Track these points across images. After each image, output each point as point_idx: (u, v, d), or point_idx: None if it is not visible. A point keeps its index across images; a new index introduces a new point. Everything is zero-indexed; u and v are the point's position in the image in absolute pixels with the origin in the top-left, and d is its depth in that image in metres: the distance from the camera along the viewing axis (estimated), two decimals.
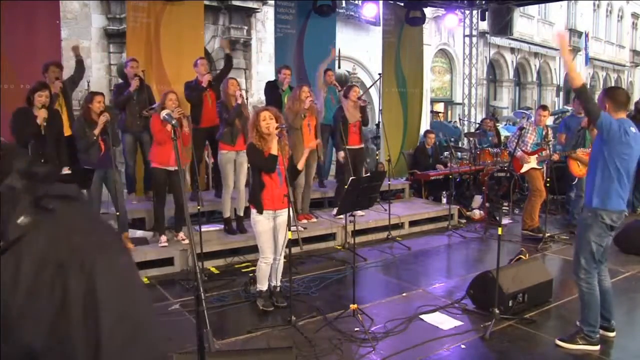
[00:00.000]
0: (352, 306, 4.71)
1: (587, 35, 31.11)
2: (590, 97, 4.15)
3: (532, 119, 8.84)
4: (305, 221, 7.27)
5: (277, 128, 4.69)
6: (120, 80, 12.40)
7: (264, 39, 16.31)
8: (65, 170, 5.68)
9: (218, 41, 15.21)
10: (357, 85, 8.15)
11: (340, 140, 7.31)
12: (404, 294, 5.53)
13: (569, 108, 16.78)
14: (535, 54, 28.31)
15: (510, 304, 4.77)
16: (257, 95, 15.69)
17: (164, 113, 3.60)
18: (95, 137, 5.56)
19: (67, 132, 6.43)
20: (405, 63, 10.86)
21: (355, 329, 4.53)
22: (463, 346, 4.33)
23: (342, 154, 7.30)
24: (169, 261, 6.14)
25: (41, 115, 5.30)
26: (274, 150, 4.69)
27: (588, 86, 4.32)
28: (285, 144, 4.85)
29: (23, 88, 6.64)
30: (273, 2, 10.53)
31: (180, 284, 5.73)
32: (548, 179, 7.81)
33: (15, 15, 6.68)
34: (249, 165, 5.96)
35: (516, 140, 7.20)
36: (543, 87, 30.04)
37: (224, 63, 7.72)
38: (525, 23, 26.30)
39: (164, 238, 6.25)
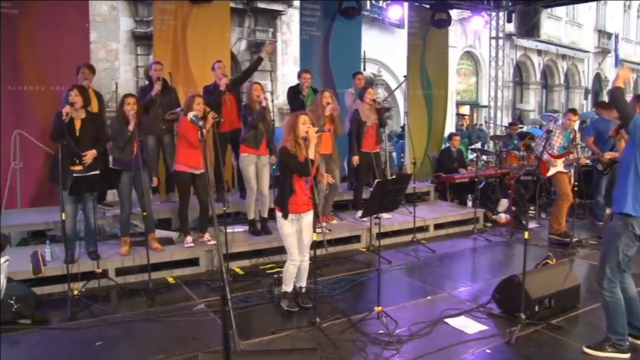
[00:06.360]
0: (377, 308, 4.70)
1: (617, 37, 30.59)
2: (624, 100, 4.08)
3: (560, 122, 8.73)
4: (324, 224, 7.22)
5: (317, 132, 4.66)
6: (147, 82, 12.68)
7: (289, 42, 16.37)
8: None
9: (244, 43, 15.32)
10: (374, 87, 8.09)
11: (355, 144, 7.31)
12: (428, 297, 5.50)
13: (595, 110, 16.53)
14: (563, 56, 27.90)
15: (536, 309, 4.72)
16: (282, 98, 15.73)
17: (191, 115, 3.65)
18: (130, 133, 5.64)
19: None
20: (430, 65, 10.81)
21: (380, 332, 4.52)
22: (488, 351, 4.29)
23: (355, 158, 7.35)
24: (194, 261, 6.21)
25: (65, 111, 5.40)
26: (312, 154, 4.65)
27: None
28: (318, 150, 4.83)
29: (53, 90, 6.81)
30: (298, 4, 10.57)
31: (206, 284, 5.79)
32: (576, 183, 7.70)
33: (46, 19, 6.84)
34: (275, 167, 6.00)
35: (543, 143, 7.12)
36: (571, 90, 29.59)
37: (252, 63, 7.67)
38: (553, 24, 25.96)
39: (189, 239, 6.32)
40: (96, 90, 6.99)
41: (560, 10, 26.18)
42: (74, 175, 5.18)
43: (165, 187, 7.56)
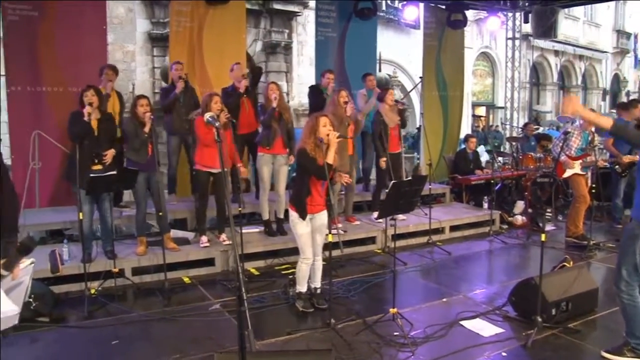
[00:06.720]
0: (392, 310, 4.68)
1: (636, 37, 30.25)
2: (626, 130, 4.06)
3: (577, 123, 8.64)
4: (340, 225, 7.22)
5: (338, 137, 4.64)
6: (163, 83, 12.78)
7: (304, 42, 16.41)
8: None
9: (260, 44, 15.36)
10: (392, 88, 8.07)
11: (380, 146, 7.26)
12: (444, 299, 5.47)
13: (615, 112, 16.34)
14: (581, 57, 27.65)
15: (553, 313, 4.67)
16: (297, 99, 15.78)
17: (207, 116, 3.67)
18: (146, 135, 5.69)
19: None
20: (446, 66, 10.77)
21: (395, 333, 4.50)
22: (504, 354, 4.26)
23: (383, 160, 7.28)
24: (210, 262, 6.24)
25: (86, 111, 5.44)
26: (331, 159, 4.60)
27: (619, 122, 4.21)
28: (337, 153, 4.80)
29: (71, 91, 6.86)
30: (314, 5, 10.57)
31: (221, 284, 5.81)
32: (593, 185, 7.62)
33: (64, 20, 6.91)
34: (290, 168, 5.99)
35: (560, 144, 7.05)
36: (588, 91, 29.31)
37: (255, 73, 7.74)
38: (571, 25, 25.74)
39: (204, 239, 6.35)
40: (117, 91, 7.05)
41: (578, 10, 25.94)
42: (92, 175, 5.22)
43: (191, 187, 7.58)
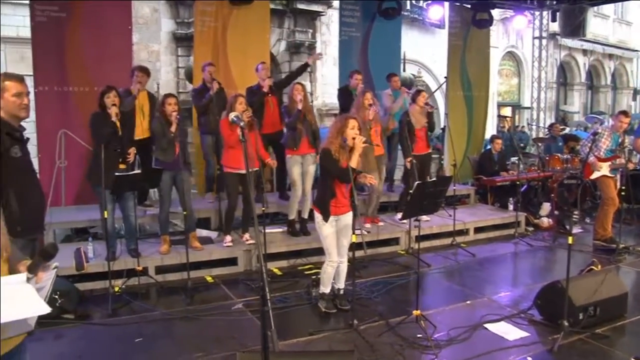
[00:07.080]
0: (415, 312, 4.65)
1: None
2: None
3: (606, 124, 8.47)
4: (368, 225, 7.21)
5: (364, 143, 4.63)
6: (187, 83, 12.87)
7: (328, 42, 16.35)
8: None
9: (284, 44, 15.37)
10: (425, 91, 8.02)
11: (407, 147, 7.20)
12: (468, 302, 5.41)
13: None
14: (610, 56, 27.09)
15: (580, 317, 4.58)
16: (321, 99, 15.75)
17: (232, 115, 3.67)
18: (172, 135, 5.73)
19: (145, 134, 6.63)
20: (471, 66, 10.63)
21: (418, 336, 4.47)
22: (529, 358, 4.19)
23: (408, 160, 7.21)
24: (232, 261, 6.25)
25: (113, 111, 5.48)
26: (354, 163, 4.58)
27: None
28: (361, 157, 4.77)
29: (97, 91, 6.91)
30: (338, 5, 10.54)
31: (244, 284, 5.83)
32: (623, 187, 7.46)
33: (90, 21, 6.98)
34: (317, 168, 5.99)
35: (589, 145, 6.92)
36: (618, 91, 28.71)
37: (298, 68, 7.79)
38: (600, 23, 25.23)
39: (228, 238, 6.36)
40: (150, 92, 7.11)
41: (607, 8, 25.38)
42: (117, 174, 5.27)
43: (215, 187, 7.60)
